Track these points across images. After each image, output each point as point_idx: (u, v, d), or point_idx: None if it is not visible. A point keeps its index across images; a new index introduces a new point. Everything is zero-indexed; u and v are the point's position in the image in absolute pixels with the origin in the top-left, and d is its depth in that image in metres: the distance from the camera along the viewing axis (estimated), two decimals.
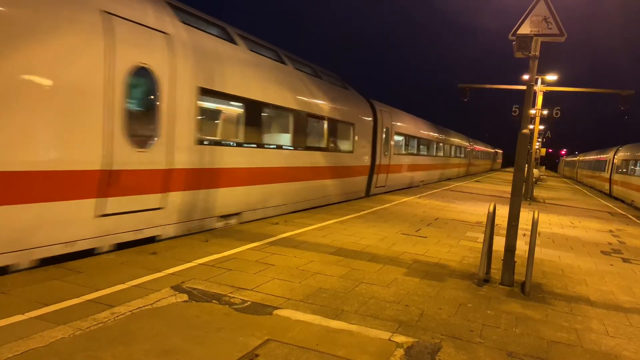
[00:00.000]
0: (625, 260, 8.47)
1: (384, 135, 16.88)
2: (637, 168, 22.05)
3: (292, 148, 10.69)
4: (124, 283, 4.99)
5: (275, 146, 10.09)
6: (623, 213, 17.78)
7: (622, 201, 24.05)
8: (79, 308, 4.25)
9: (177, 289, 4.96)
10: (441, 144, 28.39)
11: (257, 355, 3.60)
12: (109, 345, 3.58)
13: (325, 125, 12.40)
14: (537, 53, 6.27)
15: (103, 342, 3.64)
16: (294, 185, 10.91)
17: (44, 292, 4.58)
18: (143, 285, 4.98)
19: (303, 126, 11.09)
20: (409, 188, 20.73)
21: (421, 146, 23.46)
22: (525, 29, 6.25)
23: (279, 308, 4.63)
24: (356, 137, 14.35)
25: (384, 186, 17.69)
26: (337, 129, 13.11)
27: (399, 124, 19.06)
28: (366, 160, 15.44)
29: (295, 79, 11.04)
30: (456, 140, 34.39)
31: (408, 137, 20.75)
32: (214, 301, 4.69)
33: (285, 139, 10.60)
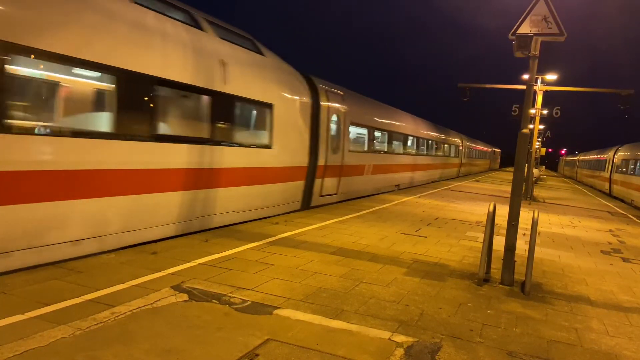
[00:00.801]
0: (625, 259, 8.47)
1: (333, 126, 12.62)
2: (637, 167, 22.05)
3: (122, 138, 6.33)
4: (124, 283, 4.99)
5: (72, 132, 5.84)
6: (623, 212, 17.78)
7: (622, 201, 24.06)
8: (79, 308, 4.25)
9: (177, 288, 4.96)
10: (425, 141, 24.30)
11: (257, 355, 3.60)
12: (109, 345, 3.58)
13: (208, 104, 8.03)
14: (537, 52, 6.27)
15: (103, 341, 3.64)
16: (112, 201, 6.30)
17: (44, 292, 4.58)
18: (143, 285, 4.98)
19: (155, 103, 6.93)
20: (381, 194, 17.08)
21: (395, 142, 19.08)
22: (525, 29, 6.25)
23: (279, 308, 4.63)
24: (276, 125, 9.94)
25: (336, 194, 13.28)
26: (233, 110, 8.67)
27: (357, 111, 14.66)
28: (299, 158, 11.08)
29: (134, 26, 6.58)
30: (445, 136, 30.19)
31: (373, 130, 16.35)
32: (214, 301, 4.69)
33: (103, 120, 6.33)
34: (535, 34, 6.21)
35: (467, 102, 20.64)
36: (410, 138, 21.65)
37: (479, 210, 13.89)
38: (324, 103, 12.09)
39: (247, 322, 4.23)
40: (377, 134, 17.11)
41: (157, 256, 6.14)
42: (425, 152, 24.61)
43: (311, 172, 11.63)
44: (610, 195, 28.06)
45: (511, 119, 16.27)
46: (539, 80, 19.35)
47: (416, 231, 9.54)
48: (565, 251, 8.78)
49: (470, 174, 41.99)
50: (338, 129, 13.05)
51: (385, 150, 18.01)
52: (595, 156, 37.07)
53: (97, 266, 5.52)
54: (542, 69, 18.52)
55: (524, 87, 16.23)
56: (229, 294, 4.91)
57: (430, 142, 25.56)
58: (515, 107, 16.38)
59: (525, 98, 6.41)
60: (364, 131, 15.68)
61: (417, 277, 6.14)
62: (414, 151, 22.44)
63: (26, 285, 4.73)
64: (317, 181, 11.97)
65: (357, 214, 11.20)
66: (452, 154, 32.94)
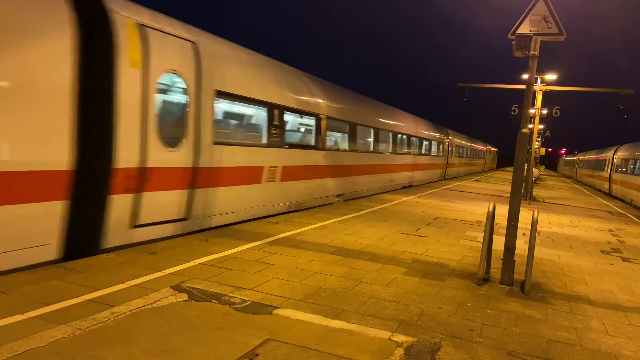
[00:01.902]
0: (624, 259, 8.48)
1: (165, 96, 7.38)
2: (637, 167, 22.06)
3: None
4: (123, 283, 4.99)
5: None
6: (622, 212, 17.79)
7: (622, 200, 24.08)
8: (79, 308, 4.25)
9: (177, 288, 4.96)
10: (385, 134, 17.88)
11: (257, 355, 3.60)
12: (109, 345, 3.58)
13: None
14: (537, 52, 6.27)
15: (103, 341, 3.64)
16: None
17: (44, 292, 4.58)
18: (143, 285, 4.98)
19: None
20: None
21: (330, 133, 13.32)
22: (524, 28, 6.26)
23: (279, 307, 4.63)
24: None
25: (185, 219, 7.69)
26: None
27: (236, 75, 8.90)
28: (41, 153, 5.42)
29: None
30: (419, 129, 23.41)
31: (280, 111, 10.23)
32: (214, 301, 4.69)
33: None
34: (535, 34, 6.21)
35: (467, 102, 20.65)
36: (359, 128, 15.16)
37: (478, 210, 13.90)
38: (134, 48, 6.44)
39: (246, 321, 4.23)
40: (291, 117, 11.31)
41: (157, 256, 6.14)
42: (388, 149, 18.44)
43: (86, 181, 5.93)
44: (609, 195, 28.07)
45: (510, 118, 16.28)
46: (539, 80, 19.36)
47: (416, 231, 9.54)
48: (565, 251, 8.78)
49: (461, 176, 36.31)
50: (183, 101, 7.56)
51: (313, 143, 12.13)
52: (595, 156, 37.09)
53: (96, 266, 5.51)
54: (541, 69, 18.54)
55: (523, 86, 16.25)
56: (229, 294, 4.91)
57: (401, 137, 19.73)
58: (514, 107, 16.39)
59: (524, 98, 6.41)
60: (259, 112, 9.94)
61: (416, 276, 6.14)
62: (370, 148, 16.48)
63: (26, 285, 4.72)
64: (117, 199, 6.32)
65: (357, 214, 11.20)
66: (433, 153, 26.56)
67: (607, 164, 30.19)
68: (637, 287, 6.56)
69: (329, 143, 13.27)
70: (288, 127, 11.22)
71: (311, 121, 12.19)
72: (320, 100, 12.53)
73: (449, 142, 30.65)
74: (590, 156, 40.61)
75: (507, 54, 6.55)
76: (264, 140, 9.91)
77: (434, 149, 26.82)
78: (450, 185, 24.25)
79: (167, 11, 7.67)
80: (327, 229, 8.91)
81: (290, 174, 10.88)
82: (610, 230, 12.28)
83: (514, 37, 6.24)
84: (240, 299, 4.80)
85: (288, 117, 10.89)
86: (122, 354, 3.47)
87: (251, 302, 4.74)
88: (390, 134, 18.76)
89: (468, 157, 40.68)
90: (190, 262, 5.97)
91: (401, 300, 5.14)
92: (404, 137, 20.54)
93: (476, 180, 31.62)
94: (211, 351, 3.61)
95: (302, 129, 12.41)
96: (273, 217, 9.88)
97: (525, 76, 10.37)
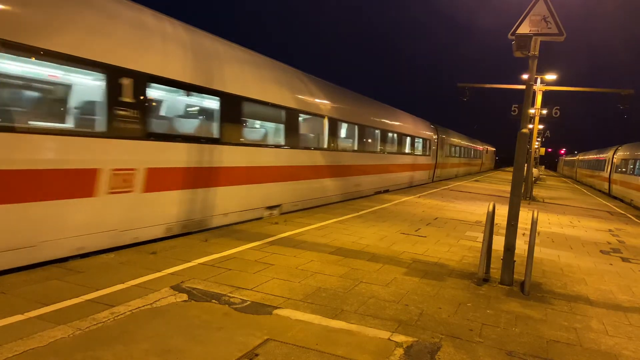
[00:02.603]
0: (624, 259, 8.48)
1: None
2: (637, 167, 22.07)
3: None
4: (123, 283, 4.99)
5: None
6: (622, 212, 17.79)
7: (622, 200, 24.08)
8: (79, 308, 4.25)
9: (177, 288, 4.96)
10: (341, 125, 14.26)
11: (256, 355, 3.60)
12: (108, 345, 3.58)
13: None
14: (537, 52, 6.27)
15: (103, 341, 3.64)
16: None
17: (44, 292, 4.58)
18: (143, 285, 4.98)
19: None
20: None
21: (265, 122, 10.76)
22: (524, 29, 6.26)
23: (279, 308, 4.63)
24: None
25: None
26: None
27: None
28: None
29: None
30: (396, 123, 19.60)
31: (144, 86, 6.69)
32: (214, 301, 4.69)
33: None
34: (535, 34, 6.21)
35: (467, 101, 20.64)
36: (305, 117, 11.81)
37: (478, 210, 13.90)
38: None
39: (246, 322, 4.23)
40: (203, 100, 8.58)
41: (157, 256, 6.14)
42: (350, 146, 14.99)
43: None
44: (609, 195, 28.07)
45: (509, 117, 16.28)
46: (539, 80, 19.37)
47: (416, 231, 9.54)
48: (564, 251, 8.78)
49: (453, 178, 32.88)
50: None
51: (243, 138, 9.12)
52: (595, 156, 37.09)
53: (96, 266, 5.51)
54: (541, 69, 18.54)
55: (523, 87, 16.24)
56: (229, 294, 4.91)
57: (359, 129, 15.35)
58: (514, 107, 16.39)
59: (524, 98, 6.41)
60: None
61: (416, 276, 6.14)
62: (317, 140, 12.70)
63: (26, 285, 4.72)
64: None
65: (357, 214, 11.20)
66: (417, 151, 23.10)
67: (606, 164, 30.19)
68: (636, 287, 6.56)
69: (269, 132, 10.39)
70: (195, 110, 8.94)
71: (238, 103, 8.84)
72: (244, 74, 9.21)
73: (438, 140, 27.38)
74: (590, 156, 40.61)
75: (507, 54, 6.54)
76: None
77: (418, 147, 23.25)
78: (450, 186, 24.25)
79: (167, 11, 7.59)
80: (326, 229, 8.91)
81: (170, 179, 7.32)
82: (610, 230, 12.28)
83: (513, 37, 6.25)
84: (240, 299, 4.80)
85: (198, 98, 8.50)
86: (121, 354, 3.47)
87: (251, 302, 4.74)
88: (382, 133, 17.32)
89: (462, 157, 36.98)
90: (190, 262, 5.97)
91: (401, 301, 5.14)
92: (376, 131, 16.91)
93: (476, 181, 31.63)
94: (211, 351, 3.61)
95: (225, 114, 8.62)
96: (273, 217, 9.87)
97: (525, 76, 10.39)
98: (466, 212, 13.41)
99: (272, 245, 7.22)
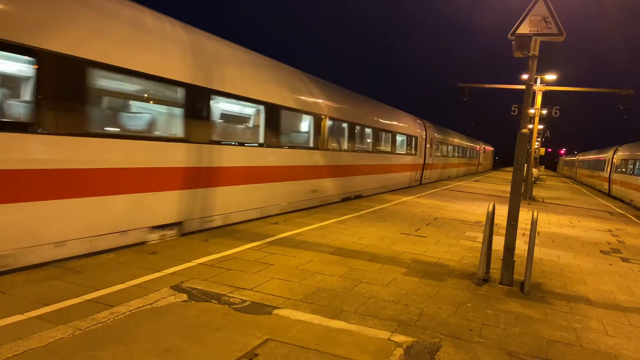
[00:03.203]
0: (624, 259, 8.48)
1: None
2: (637, 167, 22.07)
3: None
4: (123, 283, 4.99)
5: None
6: (622, 212, 17.79)
7: (622, 200, 24.08)
8: (79, 308, 4.25)
9: (177, 288, 4.96)
10: (299, 116, 11.47)
11: (256, 355, 3.61)
12: (108, 345, 3.58)
13: None
14: (537, 52, 6.27)
15: (102, 341, 3.64)
16: None
17: (44, 292, 4.58)
18: (142, 285, 4.98)
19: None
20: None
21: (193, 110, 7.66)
22: (524, 29, 6.26)
23: (279, 308, 4.63)
24: None
25: None
26: None
27: None
28: None
29: None
30: (375, 118, 16.88)
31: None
32: (214, 301, 4.69)
33: None
34: (535, 34, 6.21)
35: (467, 101, 20.65)
36: (261, 109, 9.60)
37: (478, 210, 13.90)
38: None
39: (246, 322, 4.23)
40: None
41: (157, 256, 6.14)
42: (310, 142, 11.82)
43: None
44: (609, 195, 28.08)
45: (509, 117, 16.28)
46: (538, 80, 19.37)
47: (415, 231, 9.54)
48: (564, 251, 8.78)
49: (446, 179, 30.56)
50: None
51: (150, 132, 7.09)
52: (595, 156, 37.10)
53: (96, 266, 5.52)
54: (541, 69, 18.53)
55: (523, 87, 16.25)
56: (229, 294, 4.91)
57: (316, 120, 11.92)
58: (514, 107, 16.39)
59: (524, 98, 6.41)
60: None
61: (416, 277, 6.14)
62: (280, 136, 10.28)
63: (26, 285, 4.72)
64: None
65: (357, 214, 11.20)
66: (400, 150, 19.96)
67: (606, 164, 30.20)
68: (636, 287, 6.56)
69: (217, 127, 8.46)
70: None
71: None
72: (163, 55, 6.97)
73: (427, 138, 24.13)
74: (590, 156, 40.62)
75: (507, 53, 6.54)
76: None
77: (401, 145, 20.16)
78: (450, 186, 24.26)
79: (168, 11, 7.52)
80: (326, 229, 8.91)
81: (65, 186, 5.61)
82: (609, 230, 12.28)
83: (513, 37, 6.25)
84: (240, 299, 4.80)
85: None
86: (121, 354, 3.47)
87: (251, 302, 4.74)
88: (360, 128, 14.80)
89: (456, 157, 34.06)
90: (189, 262, 5.97)
91: (401, 301, 5.14)
92: (343, 125, 14.00)
93: (475, 181, 31.63)
94: (211, 351, 3.61)
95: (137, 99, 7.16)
96: (273, 217, 9.86)
97: (525, 76, 10.38)
98: (466, 212, 13.41)
99: (272, 245, 7.23)
